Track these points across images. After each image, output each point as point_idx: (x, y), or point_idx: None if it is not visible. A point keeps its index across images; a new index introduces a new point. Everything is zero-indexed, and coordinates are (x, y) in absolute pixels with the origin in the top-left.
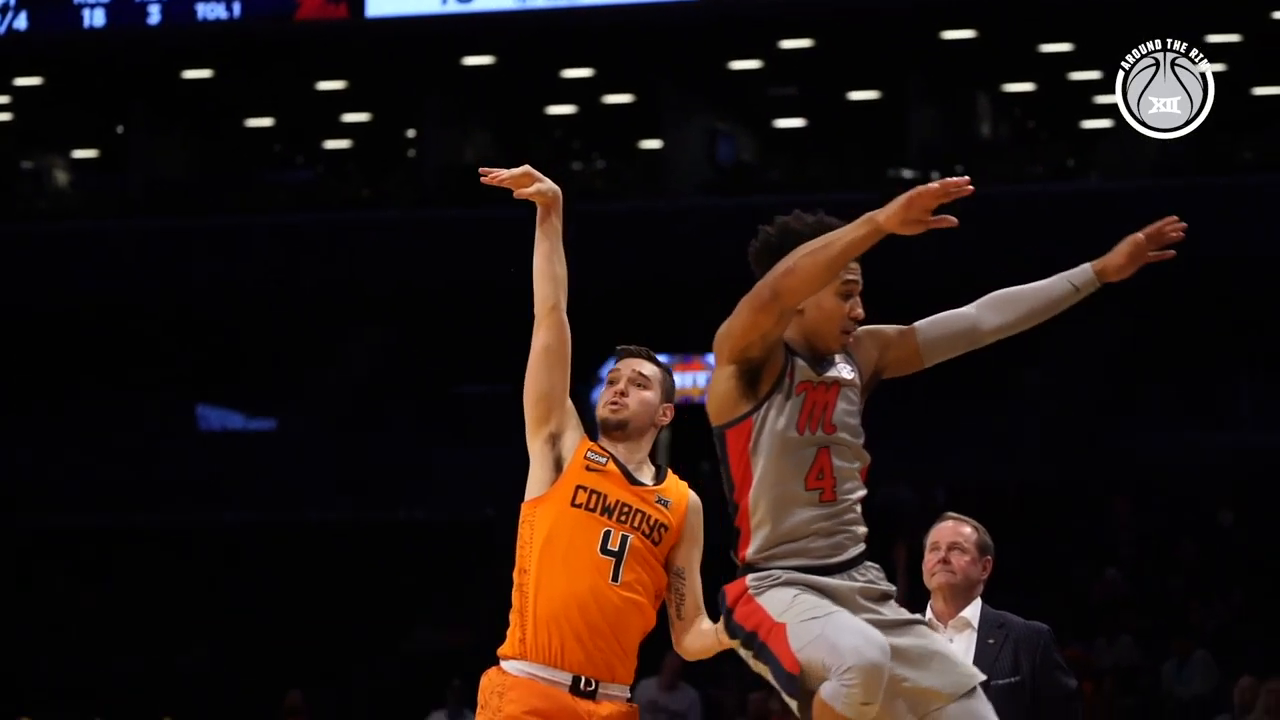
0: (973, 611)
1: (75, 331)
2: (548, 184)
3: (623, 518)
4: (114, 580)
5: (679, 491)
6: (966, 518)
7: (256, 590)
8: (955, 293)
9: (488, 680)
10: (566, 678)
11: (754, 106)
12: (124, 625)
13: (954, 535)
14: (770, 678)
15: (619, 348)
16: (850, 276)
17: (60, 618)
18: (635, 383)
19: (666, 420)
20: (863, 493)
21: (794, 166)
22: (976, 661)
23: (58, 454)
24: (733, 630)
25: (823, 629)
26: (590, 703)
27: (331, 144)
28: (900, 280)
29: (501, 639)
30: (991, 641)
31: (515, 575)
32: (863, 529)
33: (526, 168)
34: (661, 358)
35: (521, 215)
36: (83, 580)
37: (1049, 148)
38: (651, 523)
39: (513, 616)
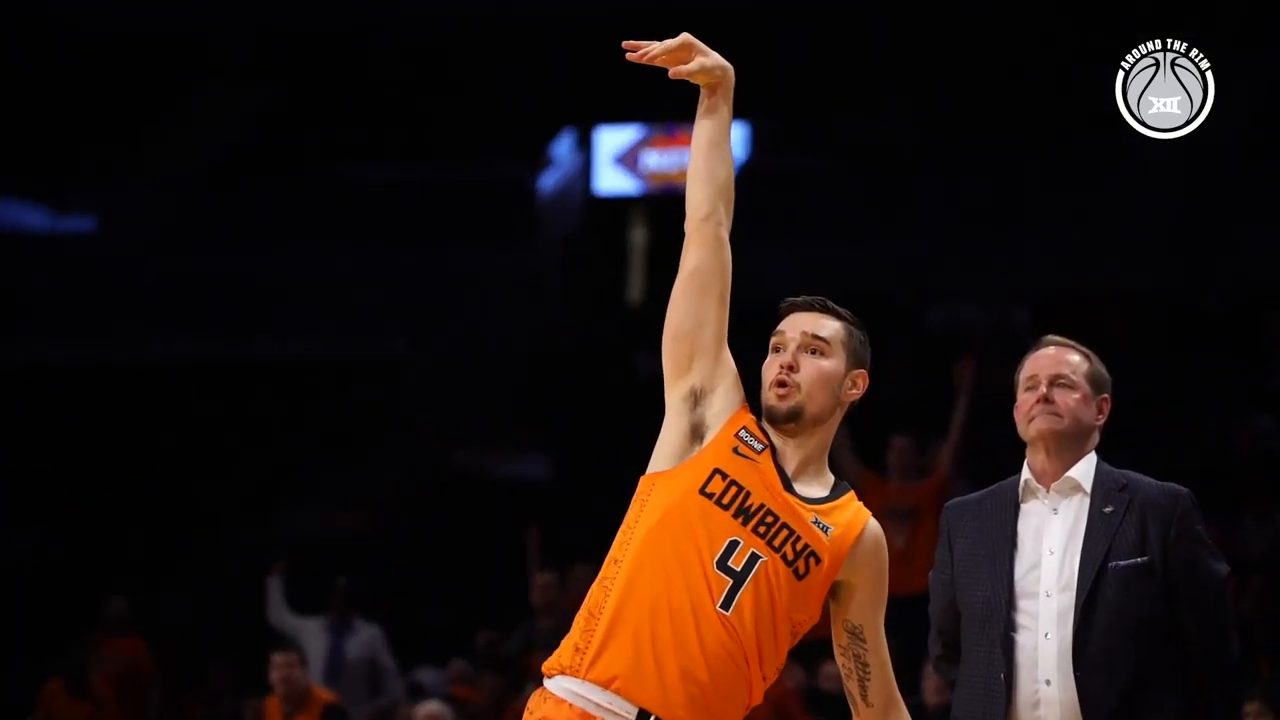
0: (1085, 469)
1: None
2: (713, 58)
3: (762, 529)
4: None
5: (850, 516)
6: (1073, 342)
7: (67, 450)
8: None
9: (526, 712)
10: (630, 710)
11: None
12: None
13: (1058, 365)
14: None
15: (785, 302)
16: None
17: None
18: (808, 349)
19: (858, 394)
20: None
21: None
22: (1090, 535)
23: None
24: None
25: None
26: None
27: None
28: None
29: (420, 524)
30: (1110, 509)
31: (604, 565)
32: None
33: (685, 37)
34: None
35: None
36: None
37: None
38: (799, 547)
39: (579, 618)
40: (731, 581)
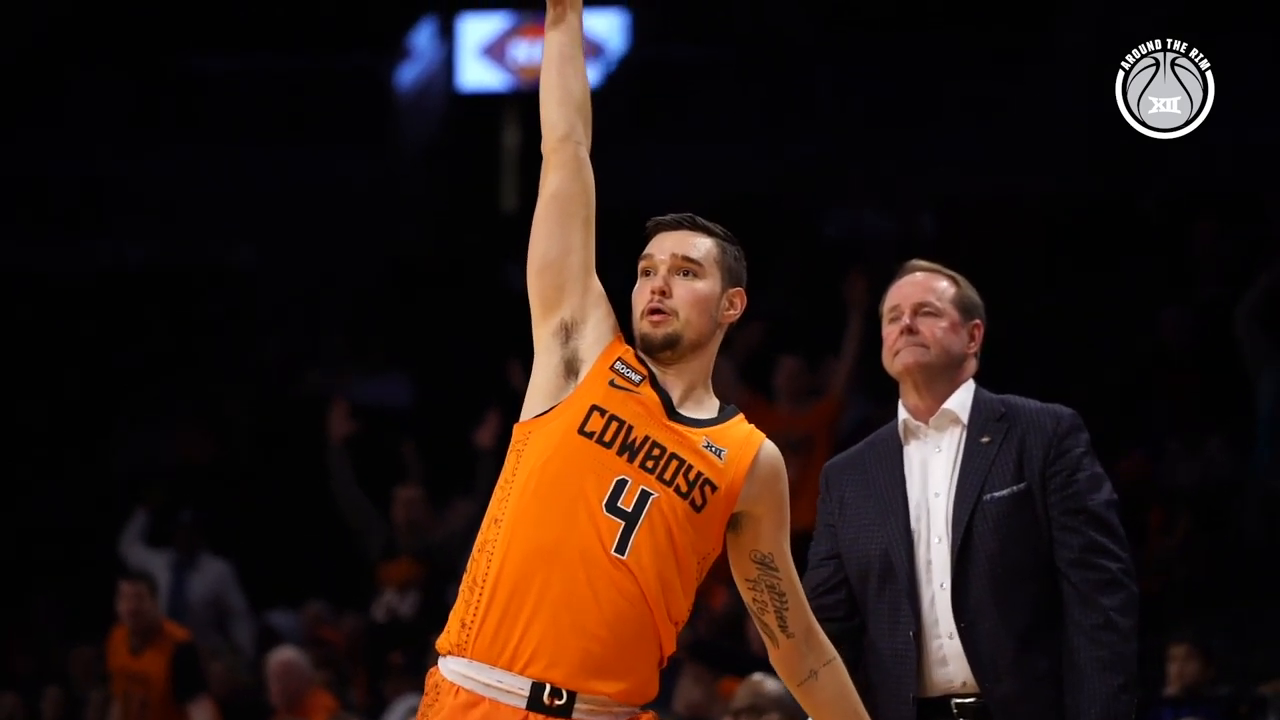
0: (961, 400)
1: None
2: None
3: (650, 464)
4: None
5: (743, 438)
6: (939, 267)
7: None
8: None
9: (427, 684)
10: (522, 686)
11: None
12: None
13: (922, 293)
14: None
15: (651, 222)
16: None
17: None
18: (680, 271)
19: (736, 314)
20: None
21: None
22: (965, 470)
23: None
24: None
25: None
26: None
27: None
28: None
29: (269, 452)
30: (987, 439)
31: (483, 527)
32: None
33: None
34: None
35: None
36: None
37: None
38: (692, 477)
39: (463, 589)
40: (623, 524)
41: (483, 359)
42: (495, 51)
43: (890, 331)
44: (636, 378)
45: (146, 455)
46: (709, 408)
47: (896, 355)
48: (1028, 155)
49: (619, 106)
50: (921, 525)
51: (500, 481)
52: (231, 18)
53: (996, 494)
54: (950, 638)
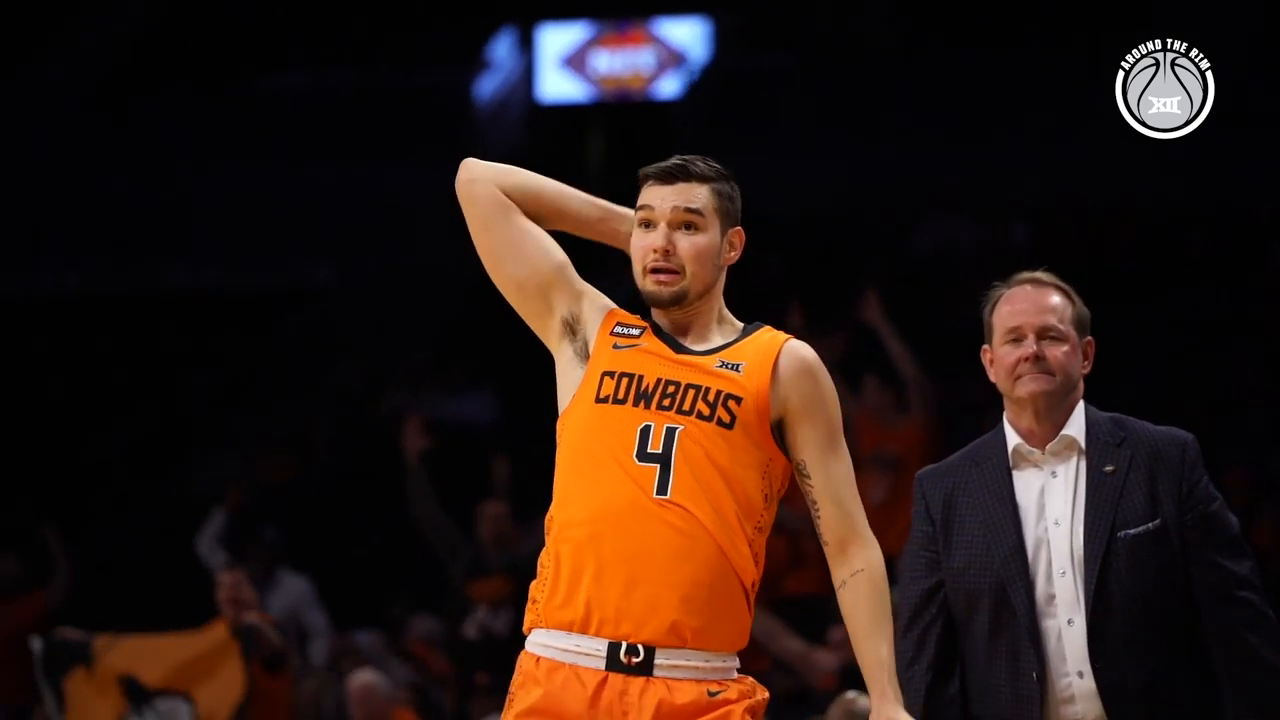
0: (1078, 425)
1: None
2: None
3: (667, 402)
4: None
5: (764, 345)
6: (1050, 277)
7: None
8: None
9: (517, 665)
10: (599, 647)
11: None
12: None
13: (1043, 315)
14: None
15: (643, 172)
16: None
17: None
18: (681, 225)
19: (737, 255)
20: None
21: None
22: (1091, 500)
23: None
24: None
25: None
26: (642, 680)
27: None
28: None
29: (351, 472)
30: (1111, 469)
31: (546, 526)
32: None
33: None
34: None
35: None
36: None
37: None
38: (712, 398)
39: (535, 583)
40: (658, 466)
41: None
42: (575, 62)
43: (1010, 354)
44: (637, 331)
45: (225, 480)
46: (725, 333)
47: (1018, 380)
48: (1124, 164)
49: (700, 116)
50: (1040, 558)
51: (555, 477)
52: (307, 34)
53: (1131, 531)
54: (1080, 676)
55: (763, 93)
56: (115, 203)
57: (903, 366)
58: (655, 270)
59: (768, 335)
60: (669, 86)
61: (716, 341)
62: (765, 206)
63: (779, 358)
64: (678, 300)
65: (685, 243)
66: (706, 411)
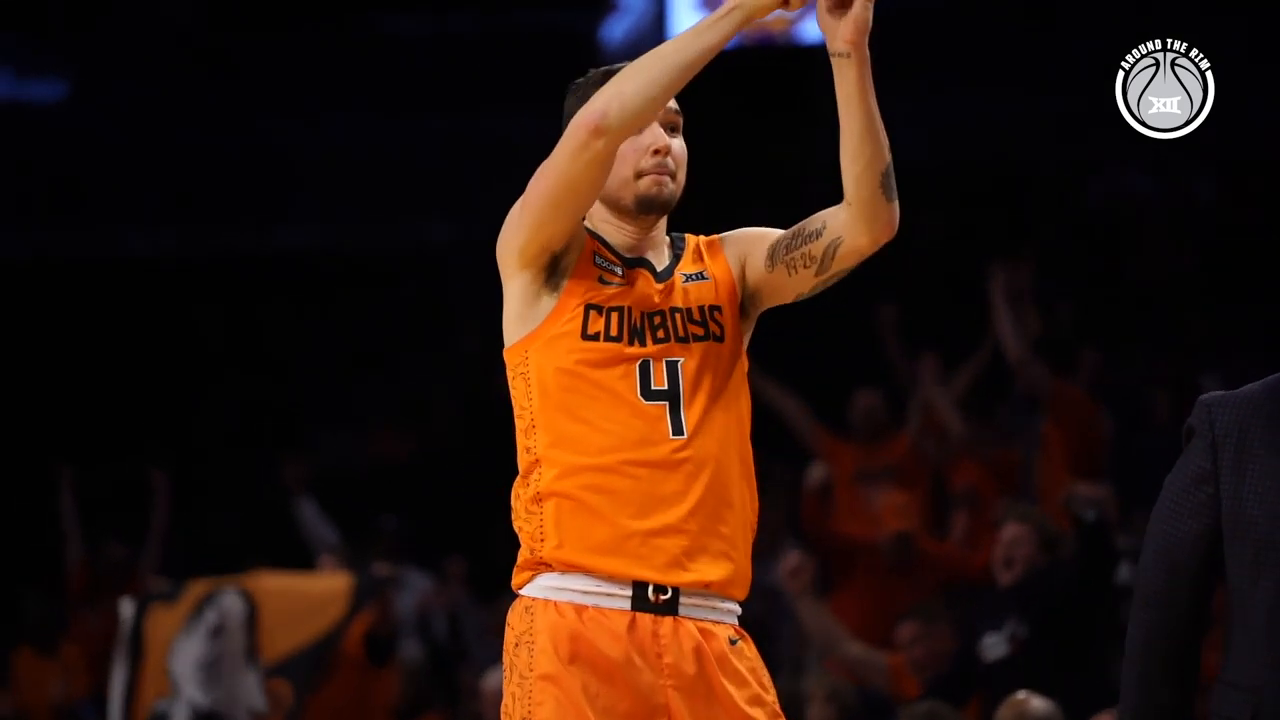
0: None
1: None
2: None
3: (661, 334)
4: None
5: (704, 247)
6: None
7: (26, 371)
8: None
9: (508, 629)
10: (623, 588)
11: None
12: None
13: None
14: None
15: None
16: None
17: None
18: (669, 125)
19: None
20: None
21: None
22: None
23: None
24: None
25: None
26: (670, 619)
27: None
28: None
29: (473, 456)
30: None
31: (520, 461)
32: None
33: None
34: None
35: None
36: None
37: None
38: (698, 316)
39: (520, 523)
40: (667, 403)
41: None
42: (712, 4)
43: None
44: (617, 267)
45: (338, 458)
46: (672, 246)
47: None
48: None
49: None
50: None
51: (517, 410)
52: None
53: None
54: None
55: (923, 32)
56: (211, 155)
57: (962, 382)
58: (658, 171)
59: (694, 239)
60: (814, 29)
61: (669, 257)
62: (924, 152)
63: (722, 244)
64: (667, 206)
65: (676, 145)
66: (700, 332)
